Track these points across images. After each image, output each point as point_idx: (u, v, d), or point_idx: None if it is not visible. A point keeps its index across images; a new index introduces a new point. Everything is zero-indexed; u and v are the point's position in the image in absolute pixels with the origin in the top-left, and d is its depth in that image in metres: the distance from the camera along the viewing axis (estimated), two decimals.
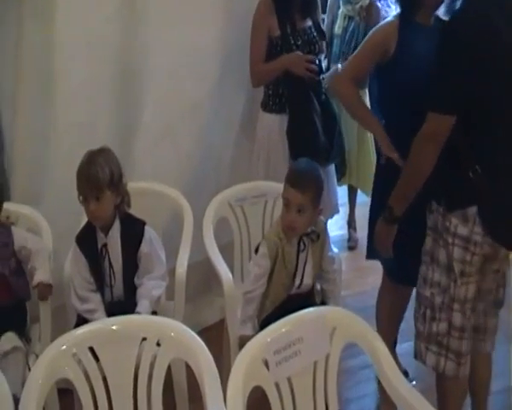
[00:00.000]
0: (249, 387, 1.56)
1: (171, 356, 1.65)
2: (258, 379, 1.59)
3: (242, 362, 1.56)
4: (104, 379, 1.64)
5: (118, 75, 2.49)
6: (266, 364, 1.61)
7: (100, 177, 1.95)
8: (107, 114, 2.51)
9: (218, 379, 1.57)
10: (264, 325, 2.09)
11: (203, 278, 2.66)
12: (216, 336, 2.31)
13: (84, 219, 2.17)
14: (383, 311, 2.41)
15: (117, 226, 2.05)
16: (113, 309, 2.02)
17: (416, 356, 2.04)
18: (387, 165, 2.15)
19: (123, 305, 2.05)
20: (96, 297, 2.04)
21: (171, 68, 2.54)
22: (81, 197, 1.99)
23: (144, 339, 1.66)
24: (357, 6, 3.32)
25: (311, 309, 1.78)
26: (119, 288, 2.07)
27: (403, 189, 1.92)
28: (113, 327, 1.65)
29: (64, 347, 1.59)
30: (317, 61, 2.57)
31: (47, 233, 2.24)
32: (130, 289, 2.07)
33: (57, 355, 1.58)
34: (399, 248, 2.07)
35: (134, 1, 2.46)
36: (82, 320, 2.03)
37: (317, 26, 2.64)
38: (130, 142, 2.56)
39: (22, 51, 2.31)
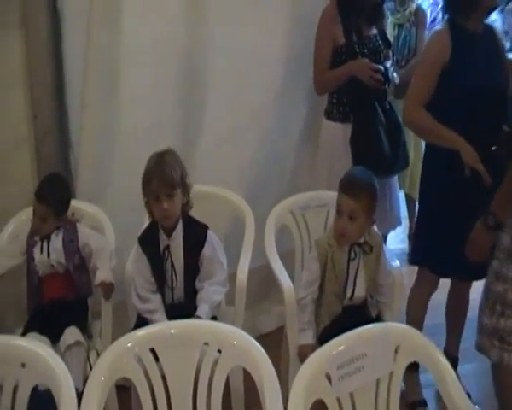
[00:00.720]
0: (311, 400, 1.53)
1: (233, 363, 1.63)
2: (319, 393, 1.55)
3: (305, 374, 1.53)
4: (164, 381, 1.64)
5: (182, 77, 2.51)
6: (328, 378, 1.58)
7: (173, 175, 1.98)
8: (171, 116, 2.53)
9: (279, 389, 1.54)
10: (321, 337, 2.08)
11: (261, 285, 2.64)
12: (273, 344, 2.28)
13: (146, 221, 2.19)
14: (419, 306, 2.44)
15: (180, 229, 2.05)
16: (173, 311, 2.03)
17: (478, 349, 2.01)
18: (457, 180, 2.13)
19: (183, 307, 2.06)
20: (157, 298, 2.05)
21: (236, 71, 2.54)
22: (150, 198, 2.00)
23: (205, 344, 1.65)
24: (407, 12, 3.39)
25: (375, 325, 1.74)
26: (179, 290, 2.07)
27: (507, 194, 1.87)
28: (176, 330, 1.64)
29: (127, 346, 1.59)
30: (384, 69, 2.51)
31: (109, 231, 2.29)
32: (191, 292, 2.07)
33: (119, 354, 1.58)
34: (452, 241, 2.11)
35: (199, 3, 2.47)
36: (142, 319, 2.06)
37: (382, 34, 2.61)
38: (193, 144, 2.58)
39: (90, 53, 2.36)
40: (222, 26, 2.47)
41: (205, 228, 2.09)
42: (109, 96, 2.42)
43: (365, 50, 2.51)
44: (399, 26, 3.43)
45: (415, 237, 2.52)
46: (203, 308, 2.01)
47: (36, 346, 1.60)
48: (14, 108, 2.47)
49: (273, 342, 2.36)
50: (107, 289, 2.10)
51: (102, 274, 2.11)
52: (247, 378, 1.63)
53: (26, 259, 2.18)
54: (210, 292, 2.04)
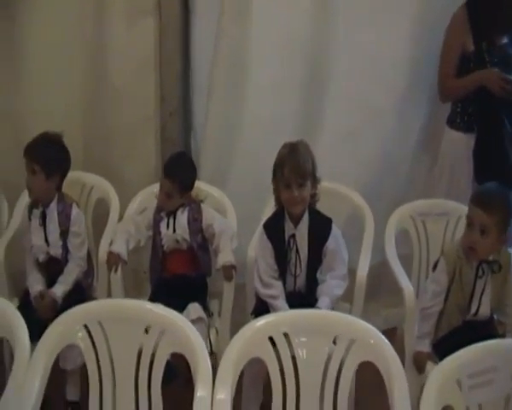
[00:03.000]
0: (441, 404, 1.52)
1: (362, 358, 1.64)
2: (450, 399, 1.54)
3: (437, 379, 1.53)
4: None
5: (306, 74, 2.56)
6: (459, 385, 1.58)
7: (306, 165, 2.02)
8: (293, 110, 2.59)
9: (407, 386, 1.54)
10: (437, 345, 2.08)
11: (369, 286, 2.66)
12: None
13: (265, 207, 2.30)
14: None
15: (306, 219, 2.09)
16: (293, 299, 2.08)
17: None
18: None
19: (303, 296, 2.10)
20: (279, 284, 2.09)
21: (359, 72, 2.56)
22: (280, 185, 2.03)
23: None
24: None
25: (506, 340, 1.73)
26: (302, 279, 2.11)
27: None
28: (309, 319, 1.67)
29: (260, 327, 1.63)
30: None
31: (232, 215, 2.36)
32: (312, 283, 2.11)
33: (252, 335, 1.62)
34: None
35: (328, 2, 2.49)
36: (262, 303, 2.12)
37: None
38: (312, 141, 2.56)
39: (220, 43, 2.43)
40: (348, 26, 2.50)
41: (330, 221, 2.12)
42: (235, 86, 2.50)
43: (495, 59, 2.45)
44: None
45: None
46: (324, 301, 2.04)
47: (174, 315, 1.65)
48: (143, 90, 2.59)
49: None
50: (230, 271, 2.16)
51: (225, 256, 2.18)
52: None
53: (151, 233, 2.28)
54: (332, 285, 2.07)
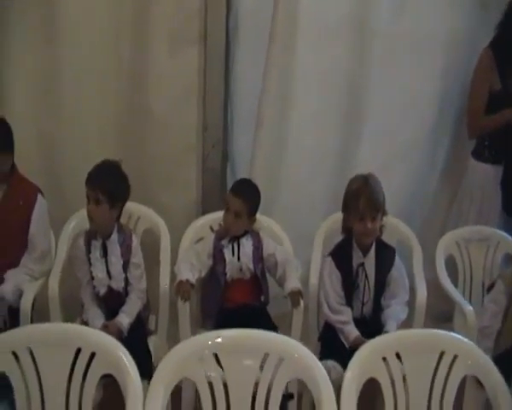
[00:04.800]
0: None
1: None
2: None
3: None
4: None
5: (344, 108, 2.70)
6: None
7: (379, 199, 2.12)
8: (332, 140, 2.71)
9: None
10: (496, 362, 2.23)
11: None
12: None
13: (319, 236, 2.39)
14: None
15: (373, 248, 2.19)
16: (359, 325, 2.14)
17: None
18: None
19: (368, 322, 2.18)
20: (348, 310, 2.16)
21: (391, 108, 2.72)
22: (353, 216, 2.11)
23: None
24: None
25: None
26: (369, 306, 2.19)
27: None
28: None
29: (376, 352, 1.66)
30: None
31: (287, 243, 2.40)
32: (378, 309, 2.19)
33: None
34: None
35: (365, 44, 2.64)
36: (328, 329, 2.18)
37: None
38: (348, 173, 2.72)
39: (269, 72, 2.50)
40: (382, 66, 2.67)
41: (394, 251, 2.23)
42: (281, 116, 2.58)
43: None
44: None
45: None
46: (392, 325, 2.12)
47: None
48: (186, 119, 2.62)
49: None
50: (297, 296, 2.20)
51: (292, 283, 2.22)
52: None
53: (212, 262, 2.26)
54: (397, 311, 2.17)
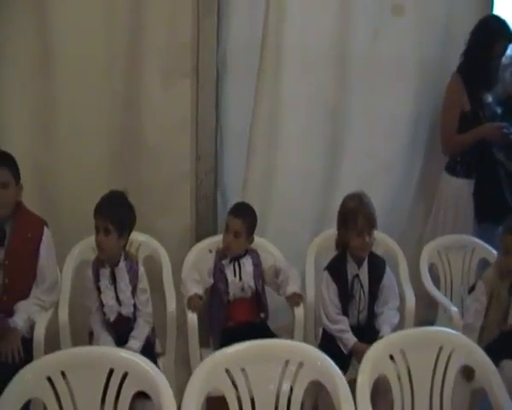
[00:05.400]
0: None
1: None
2: None
3: None
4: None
5: (328, 132, 2.91)
6: None
7: (375, 215, 2.31)
8: (317, 164, 2.89)
9: None
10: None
11: None
12: None
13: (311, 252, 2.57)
14: None
15: (366, 260, 2.36)
16: (355, 332, 2.31)
17: None
18: None
19: (364, 329, 2.34)
20: (345, 320, 2.32)
21: (369, 131, 2.93)
22: (351, 233, 2.28)
23: None
24: None
25: None
26: (364, 314, 2.36)
27: None
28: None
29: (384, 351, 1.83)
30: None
31: (281, 259, 2.55)
32: (372, 316, 2.37)
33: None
34: None
35: (343, 71, 2.85)
36: (326, 337, 2.35)
37: (497, 100, 2.99)
38: (330, 191, 2.92)
39: (258, 101, 2.70)
40: (360, 91, 2.89)
41: (384, 262, 2.41)
42: (270, 143, 2.76)
43: (487, 115, 2.90)
44: None
45: None
46: (386, 329, 2.30)
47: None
48: (179, 148, 2.76)
49: None
50: (298, 299, 2.38)
51: (293, 288, 2.40)
52: None
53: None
54: (390, 316, 2.34)
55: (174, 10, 2.63)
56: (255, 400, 1.73)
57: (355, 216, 2.27)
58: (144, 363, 1.68)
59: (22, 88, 2.59)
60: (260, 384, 1.73)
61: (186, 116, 2.70)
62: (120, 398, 1.67)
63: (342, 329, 2.29)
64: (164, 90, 2.65)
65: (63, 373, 1.66)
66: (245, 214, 2.40)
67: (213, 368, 1.68)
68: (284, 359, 1.73)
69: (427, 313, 2.72)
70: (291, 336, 2.37)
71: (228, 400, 1.70)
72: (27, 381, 1.63)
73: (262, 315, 2.45)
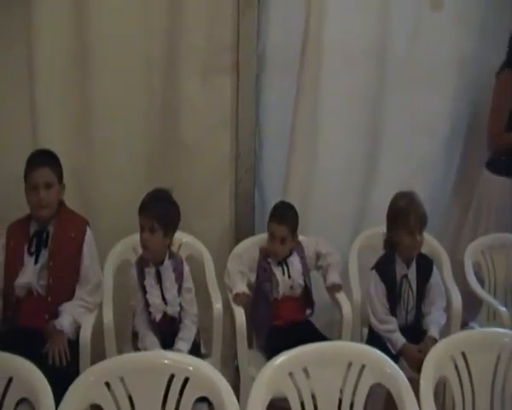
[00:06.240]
0: None
1: None
2: None
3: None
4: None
5: (367, 131, 2.85)
6: None
7: (426, 214, 2.29)
8: (356, 164, 2.85)
9: None
10: None
11: None
12: None
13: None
14: None
15: (414, 260, 2.35)
16: (405, 333, 2.29)
17: None
18: None
19: (412, 329, 2.33)
20: (394, 320, 2.31)
21: (407, 129, 2.88)
22: (403, 231, 2.26)
23: None
24: None
25: None
26: (412, 314, 2.35)
27: None
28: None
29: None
30: None
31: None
32: (420, 317, 2.35)
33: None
34: None
35: (383, 69, 2.80)
36: (373, 335, 2.33)
37: None
38: (369, 190, 2.90)
39: (300, 99, 2.66)
40: (399, 90, 2.83)
41: (431, 261, 2.40)
42: (310, 143, 2.73)
43: None
44: None
45: None
46: (435, 330, 2.28)
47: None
48: (219, 146, 2.71)
49: None
50: (337, 288, 2.39)
51: (333, 278, 2.41)
52: None
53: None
54: (438, 316, 2.33)
55: (214, 6, 2.58)
56: (317, 403, 1.69)
57: (407, 215, 2.25)
58: (206, 368, 1.64)
59: (60, 88, 2.55)
60: (323, 387, 1.69)
61: (226, 114, 2.66)
62: (181, 404, 1.63)
63: (391, 329, 2.27)
64: (203, 88, 2.61)
65: (122, 379, 1.61)
66: (288, 219, 2.38)
67: (278, 371, 1.65)
68: (347, 361, 1.70)
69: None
70: (336, 336, 2.35)
71: (291, 403, 1.67)
72: (87, 386, 1.59)
73: (308, 311, 2.43)
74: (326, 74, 2.66)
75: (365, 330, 2.47)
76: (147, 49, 2.59)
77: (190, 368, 1.64)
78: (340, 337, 2.32)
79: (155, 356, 1.78)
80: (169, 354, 1.82)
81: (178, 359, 1.72)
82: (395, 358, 2.21)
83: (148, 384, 1.63)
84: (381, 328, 2.28)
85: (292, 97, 2.69)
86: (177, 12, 2.58)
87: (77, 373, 2.03)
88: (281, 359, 1.68)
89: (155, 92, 2.63)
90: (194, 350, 2.22)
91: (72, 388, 1.57)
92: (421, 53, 2.80)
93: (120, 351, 2.29)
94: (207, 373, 1.63)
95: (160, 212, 2.17)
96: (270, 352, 2.22)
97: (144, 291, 2.22)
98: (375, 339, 2.30)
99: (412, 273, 2.33)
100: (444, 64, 2.85)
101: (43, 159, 2.24)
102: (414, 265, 2.33)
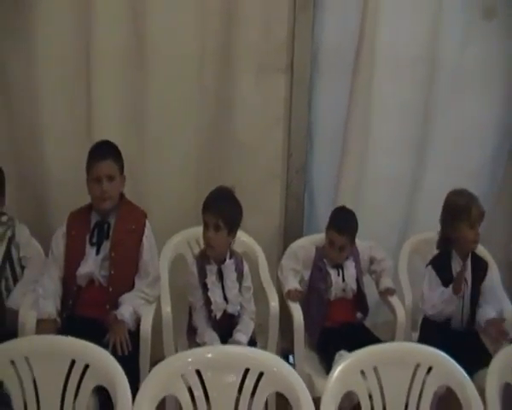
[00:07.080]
0: None
1: None
2: None
3: None
4: None
5: (416, 136, 2.87)
6: None
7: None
8: (405, 168, 2.88)
9: None
10: None
11: None
12: None
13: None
14: None
15: (469, 259, 2.37)
16: (460, 336, 2.31)
17: None
18: None
19: (467, 333, 2.35)
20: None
21: (456, 135, 2.90)
22: (464, 225, 2.29)
23: None
24: None
25: None
26: (466, 313, 2.35)
27: None
28: None
29: None
30: None
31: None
32: (474, 313, 2.37)
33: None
34: None
35: (433, 74, 2.81)
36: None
37: None
38: (418, 198, 2.92)
39: (353, 101, 2.68)
40: (449, 95, 2.84)
41: (486, 263, 2.42)
42: (363, 145, 2.76)
43: None
44: None
45: None
46: (491, 311, 2.31)
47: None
48: (271, 145, 2.75)
49: None
50: (392, 292, 2.44)
51: (386, 283, 2.46)
52: None
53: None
54: (491, 309, 2.34)
55: (270, 7, 2.62)
56: (386, 401, 1.73)
57: (468, 209, 2.29)
58: (279, 363, 1.67)
59: (115, 86, 2.58)
60: (391, 386, 1.73)
61: (279, 113, 2.69)
62: (255, 399, 1.67)
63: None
64: (257, 86, 2.64)
65: (198, 372, 1.65)
66: (349, 229, 2.40)
67: (348, 369, 1.69)
68: (415, 362, 1.73)
69: None
70: (389, 337, 2.38)
71: (361, 401, 1.70)
72: (163, 378, 1.63)
73: (359, 315, 2.46)
74: (379, 78, 2.69)
75: (415, 335, 2.46)
76: (202, 47, 2.62)
77: (265, 363, 1.67)
78: (392, 340, 2.34)
79: (229, 350, 1.83)
80: (244, 349, 1.88)
81: (254, 354, 1.75)
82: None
83: (224, 379, 1.66)
84: (435, 310, 2.30)
85: (344, 99, 2.71)
86: (233, 12, 2.62)
87: (136, 364, 2.13)
88: (353, 357, 1.72)
89: (209, 91, 2.66)
90: (252, 345, 2.24)
91: (147, 380, 1.60)
92: (471, 61, 2.82)
93: (176, 345, 2.32)
94: (281, 369, 1.65)
95: (226, 210, 2.20)
96: (323, 351, 2.33)
97: (205, 288, 2.24)
98: (427, 336, 2.31)
99: (468, 271, 2.34)
100: (493, 73, 2.86)
101: (105, 151, 2.27)
102: (469, 263, 2.35)
